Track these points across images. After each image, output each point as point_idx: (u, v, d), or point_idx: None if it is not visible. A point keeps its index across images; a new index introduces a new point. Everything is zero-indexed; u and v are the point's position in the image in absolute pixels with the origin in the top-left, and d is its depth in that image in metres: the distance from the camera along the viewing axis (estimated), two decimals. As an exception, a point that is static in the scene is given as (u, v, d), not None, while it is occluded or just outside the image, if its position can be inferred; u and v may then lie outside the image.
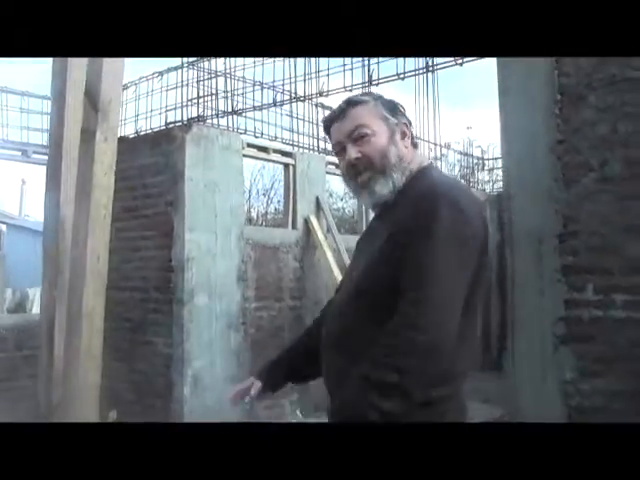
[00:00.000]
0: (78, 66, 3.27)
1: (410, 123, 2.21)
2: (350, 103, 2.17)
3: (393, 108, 2.19)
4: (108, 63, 3.11)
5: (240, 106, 6.87)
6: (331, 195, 17.51)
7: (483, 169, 12.16)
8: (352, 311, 2.07)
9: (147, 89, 7.36)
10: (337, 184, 17.40)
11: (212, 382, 6.82)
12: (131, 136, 7.54)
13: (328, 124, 2.22)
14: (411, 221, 1.92)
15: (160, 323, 6.93)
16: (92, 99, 3.15)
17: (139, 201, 7.25)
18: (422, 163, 2.18)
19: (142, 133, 7.39)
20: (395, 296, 1.90)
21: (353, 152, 2.11)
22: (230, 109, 6.72)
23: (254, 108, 6.88)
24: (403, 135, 2.15)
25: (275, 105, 6.65)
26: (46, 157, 7.91)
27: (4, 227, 20.71)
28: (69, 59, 3.29)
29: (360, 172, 2.12)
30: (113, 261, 7.39)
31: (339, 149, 2.18)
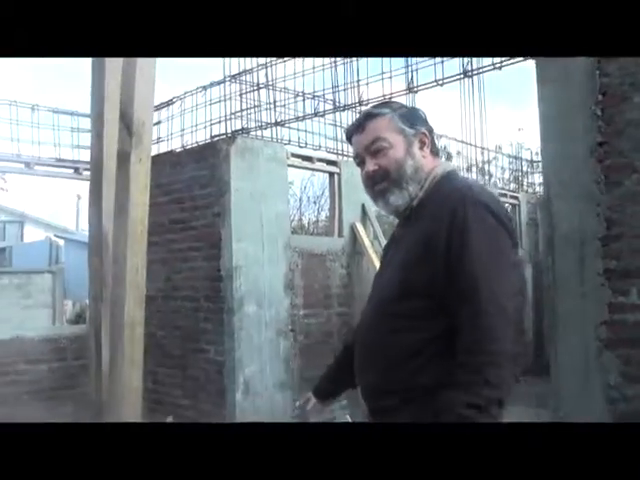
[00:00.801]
0: (114, 90, 3.42)
1: (431, 131, 2.27)
2: (368, 116, 2.25)
3: (412, 118, 2.25)
4: (140, 87, 3.26)
5: (283, 117, 6.97)
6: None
7: (534, 172, 12.09)
8: (382, 319, 2.14)
9: (192, 103, 7.52)
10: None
11: (262, 388, 6.97)
12: (178, 150, 7.70)
13: (349, 136, 2.32)
14: (442, 227, 1.99)
15: (211, 331, 7.09)
16: (126, 123, 3.31)
17: (187, 213, 7.42)
18: (445, 169, 2.23)
19: (188, 147, 7.54)
20: (429, 301, 1.99)
21: (370, 165, 2.19)
22: (273, 120, 6.83)
23: (297, 119, 6.98)
24: (422, 144, 2.22)
25: (317, 115, 6.73)
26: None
27: (62, 242, 21.20)
28: (106, 84, 3.45)
29: (377, 182, 2.20)
30: (164, 271, 7.64)
31: (359, 161, 2.26)
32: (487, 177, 11.12)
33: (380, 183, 2.19)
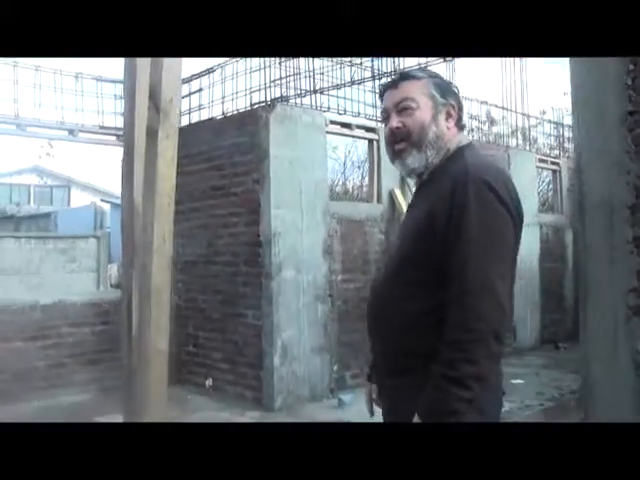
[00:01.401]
0: (144, 68, 3.54)
1: (460, 106, 2.33)
2: (403, 76, 2.33)
3: (445, 89, 2.30)
4: (168, 64, 3.37)
5: (321, 85, 7.02)
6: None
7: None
8: (389, 286, 2.21)
9: (232, 71, 7.59)
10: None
11: (300, 352, 7.10)
12: (218, 117, 7.80)
13: (382, 92, 2.36)
14: (444, 202, 2.05)
15: (250, 296, 7.23)
16: (154, 100, 3.42)
17: (227, 180, 7.53)
18: (460, 142, 2.29)
19: (229, 114, 7.64)
20: (429, 272, 2.07)
21: (395, 121, 2.25)
22: (312, 88, 6.88)
23: (336, 86, 7.03)
24: (448, 115, 2.27)
25: (354, 83, 6.77)
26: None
27: (107, 206, 21.47)
28: (137, 61, 3.57)
29: (397, 141, 2.25)
30: (205, 237, 7.79)
31: (385, 116, 2.31)
32: (529, 143, 11.01)
33: (400, 142, 2.24)
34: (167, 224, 3.57)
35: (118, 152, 8.39)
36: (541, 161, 11.05)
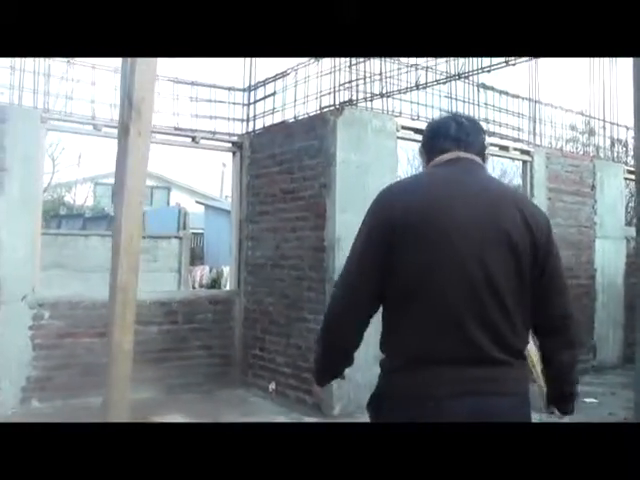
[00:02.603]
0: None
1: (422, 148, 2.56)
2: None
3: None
4: (141, 63, 3.36)
5: (392, 88, 6.92)
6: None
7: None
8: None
9: (305, 75, 7.58)
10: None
11: (362, 359, 6.94)
12: (290, 121, 7.80)
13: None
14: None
15: (314, 300, 7.18)
16: (128, 98, 3.42)
17: (297, 183, 7.52)
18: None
19: (299, 118, 7.62)
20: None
21: None
22: (384, 91, 6.79)
23: (405, 89, 6.91)
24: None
25: (418, 87, 6.64)
26: (210, 142, 8.38)
27: (202, 208, 21.76)
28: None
29: None
30: (274, 240, 7.79)
31: None
32: (618, 154, 10.56)
33: None
34: (136, 223, 3.55)
35: (213, 155, 8.54)
36: (631, 172, 10.57)
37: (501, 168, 18.47)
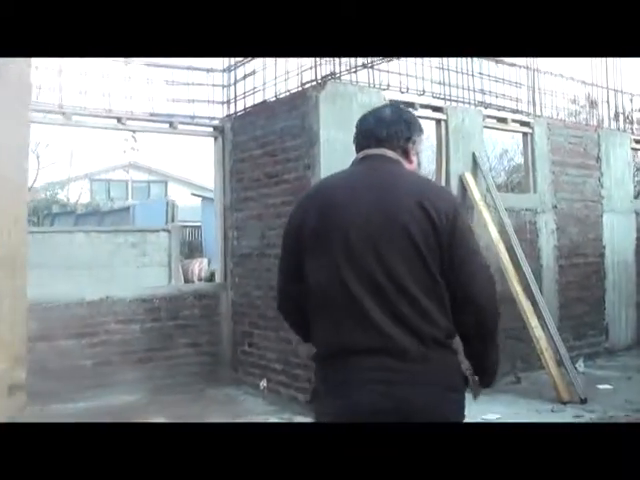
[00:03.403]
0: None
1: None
2: None
3: None
4: None
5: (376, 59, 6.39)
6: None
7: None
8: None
9: (284, 49, 7.06)
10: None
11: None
12: (271, 100, 7.29)
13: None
14: None
15: (302, 292, 6.69)
16: None
17: (280, 166, 7.02)
18: None
19: (281, 96, 7.11)
20: None
21: None
22: (363, 62, 6.27)
23: (396, 57, 6.38)
24: None
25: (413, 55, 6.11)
26: (190, 127, 7.87)
27: (199, 200, 21.31)
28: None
29: None
30: (259, 228, 7.30)
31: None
32: (625, 122, 9.98)
33: None
34: (12, 215, 2.95)
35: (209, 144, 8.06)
36: (638, 142, 10.04)
37: (502, 147, 17.84)
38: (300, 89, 6.78)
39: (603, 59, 9.20)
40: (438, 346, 2.21)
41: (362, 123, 2.54)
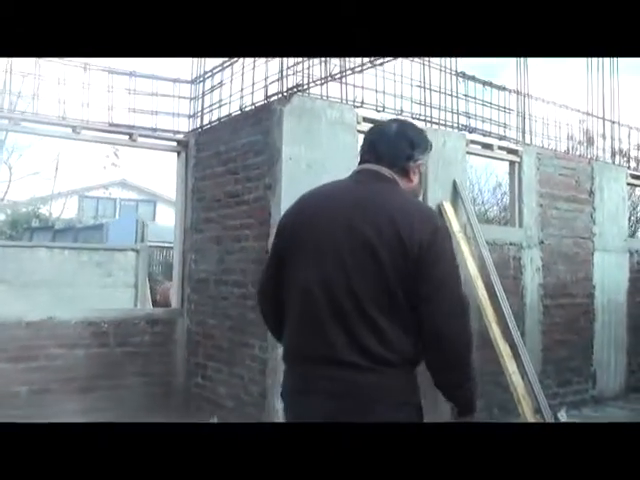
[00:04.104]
0: None
1: None
2: None
3: None
4: None
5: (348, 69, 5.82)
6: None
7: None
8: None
9: (252, 61, 6.50)
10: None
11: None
12: (235, 114, 6.73)
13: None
14: None
15: (257, 323, 6.08)
16: None
17: (241, 185, 6.46)
18: None
19: (246, 109, 6.55)
20: None
21: None
22: (329, 74, 5.71)
23: (362, 67, 5.83)
24: None
25: (383, 64, 5.58)
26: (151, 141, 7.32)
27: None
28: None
29: None
30: (217, 252, 6.72)
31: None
32: (621, 156, 9.43)
33: None
34: None
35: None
36: (635, 177, 9.47)
37: (496, 180, 17.23)
38: (265, 102, 6.21)
39: (600, 90, 8.69)
40: (388, 367, 2.21)
41: (368, 135, 2.55)
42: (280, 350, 5.86)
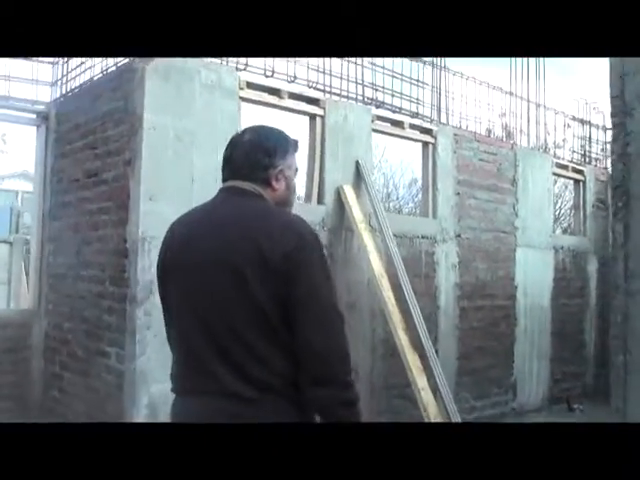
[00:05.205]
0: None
1: None
2: None
3: None
4: None
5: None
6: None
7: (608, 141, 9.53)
8: None
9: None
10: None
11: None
12: (97, 77, 5.66)
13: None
14: None
15: (114, 328, 5.09)
16: None
17: (100, 161, 5.39)
18: None
19: (107, 71, 5.49)
20: None
21: None
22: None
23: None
24: None
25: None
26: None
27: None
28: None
29: None
30: (75, 242, 5.65)
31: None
32: (541, 144, 8.68)
33: None
34: None
35: None
36: (560, 167, 8.72)
37: (412, 175, 16.24)
38: (127, 61, 5.16)
39: (525, 68, 7.94)
40: (270, 392, 2.12)
41: (224, 152, 2.42)
42: (138, 360, 4.91)
